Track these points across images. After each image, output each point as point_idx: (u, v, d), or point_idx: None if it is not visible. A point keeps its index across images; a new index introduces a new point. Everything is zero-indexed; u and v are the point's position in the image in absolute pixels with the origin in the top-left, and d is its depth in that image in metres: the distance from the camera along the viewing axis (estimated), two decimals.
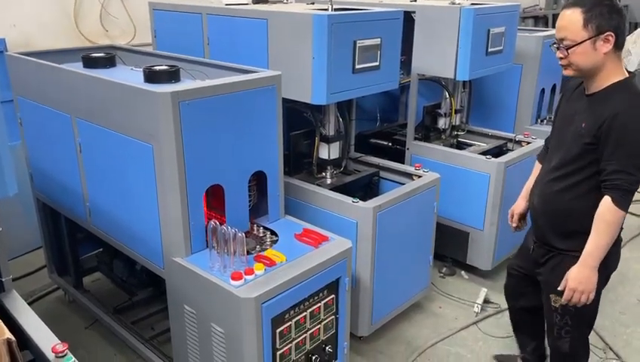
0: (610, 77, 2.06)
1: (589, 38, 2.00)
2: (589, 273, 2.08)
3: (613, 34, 1.99)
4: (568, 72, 2.12)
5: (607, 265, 2.22)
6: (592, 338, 3.18)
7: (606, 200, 2.03)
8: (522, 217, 2.56)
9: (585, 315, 2.29)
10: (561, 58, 2.10)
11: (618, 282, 3.81)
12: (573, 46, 2.03)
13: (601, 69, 2.05)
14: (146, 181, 2.27)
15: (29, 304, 3.33)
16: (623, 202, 2.01)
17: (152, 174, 2.22)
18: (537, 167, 2.49)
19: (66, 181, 2.84)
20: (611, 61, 2.05)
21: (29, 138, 3.07)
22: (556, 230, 2.25)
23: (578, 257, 2.12)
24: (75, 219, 2.95)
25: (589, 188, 2.11)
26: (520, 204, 2.54)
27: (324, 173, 3.25)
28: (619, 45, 2.04)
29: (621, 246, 2.31)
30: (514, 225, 2.57)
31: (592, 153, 2.06)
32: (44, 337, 1.70)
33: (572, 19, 2.02)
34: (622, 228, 2.22)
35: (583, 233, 2.11)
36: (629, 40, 5.83)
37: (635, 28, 6.52)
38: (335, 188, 3.07)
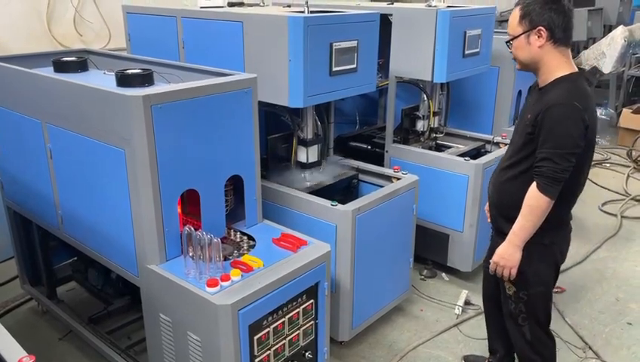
0: (556, 71, 2.14)
1: (523, 33, 2.13)
2: (513, 251, 2.22)
3: (544, 28, 2.09)
4: (517, 67, 2.27)
5: (554, 253, 2.33)
6: (572, 337, 3.22)
7: (533, 186, 2.13)
8: None
9: (537, 303, 2.37)
10: (510, 53, 2.25)
11: (596, 281, 3.85)
12: (511, 40, 2.19)
13: (542, 63, 2.15)
14: (118, 187, 2.21)
15: (1, 316, 3.27)
16: (547, 188, 2.09)
17: (124, 180, 2.17)
18: None
19: (36, 188, 2.77)
20: (552, 56, 2.13)
21: None
22: (506, 218, 2.31)
23: (527, 245, 2.23)
24: (47, 228, 2.88)
25: (531, 178, 2.17)
26: None
27: (302, 177, 3.22)
28: (557, 40, 2.11)
29: (569, 236, 2.40)
30: (489, 221, 2.60)
31: (533, 143, 2.15)
32: (10, 350, 1.64)
33: (513, 16, 2.18)
34: (571, 218, 2.36)
35: None
36: (604, 42, 5.91)
37: (609, 31, 6.62)
38: (314, 192, 3.04)
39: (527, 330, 2.41)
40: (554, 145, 2.06)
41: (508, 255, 2.23)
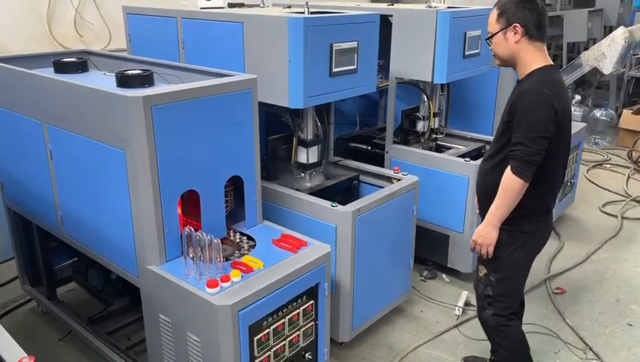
0: (532, 64, 2.29)
1: (501, 30, 2.30)
2: (490, 229, 2.34)
3: (519, 25, 2.25)
4: (497, 63, 2.43)
5: (534, 242, 2.43)
6: (572, 338, 3.21)
7: (508, 168, 2.25)
8: None
9: (504, 288, 2.47)
10: (490, 50, 2.41)
11: (597, 282, 3.84)
12: (490, 37, 2.35)
13: (519, 57, 2.30)
14: (118, 187, 2.21)
15: (1, 316, 3.27)
16: (521, 171, 2.20)
17: (124, 180, 2.17)
18: None
19: (37, 189, 2.77)
20: (527, 50, 2.29)
21: None
22: (488, 204, 2.39)
23: (505, 230, 2.35)
24: (47, 228, 2.88)
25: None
26: None
27: (302, 177, 3.22)
28: (531, 35, 2.27)
29: (547, 227, 2.48)
30: (478, 211, 2.68)
31: (510, 131, 2.27)
32: (10, 351, 1.64)
33: (491, 16, 2.35)
34: (553, 206, 2.46)
35: None
36: (604, 43, 5.91)
37: (610, 32, 6.62)
38: (315, 193, 3.04)
39: (490, 316, 2.51)
40: (526, 130, 2.19)
41: (485, 233, 2.35)
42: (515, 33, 2.27)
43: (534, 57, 2.29)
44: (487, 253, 2.38)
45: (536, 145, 2.17)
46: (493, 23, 2.34)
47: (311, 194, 3.00)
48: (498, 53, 2.37)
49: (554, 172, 2.35)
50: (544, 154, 2.19)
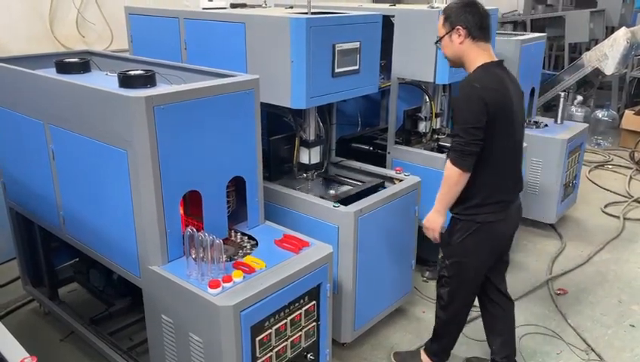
0: (476, 62, 2.42)
1: (446, 33, 2.45)
2: (436, 216, 2.51)
3: (462, 27, 2.40)
4: (449, 64, 2.57)
5: (487, 232, 2.48)
6: (574, 339, 3.21)
7: (448, 160, 2.39)
8: None
9: (457, 273, 2.60)
10: (441, 52, 2.56)
11: (598, 283, 3.84)
12: (438, 41, 2.51)
13: (465, 57, 2.44)
14: (120, 188, 2.21)
15: (3, 317, 3.27)
16: (457, 160, 2.34)
17: (126, 181, 2.17)
18: None
19: (39, 189, 2.77)
20: (471, 50, 2.42)
21: (1, 145, 2.99)
22: None
23: (461, 219, 2.50)
24: (49, 228, 2.88)
25: None
26: None
27: (305, 176, 3.22)
28: (474, 37, 2.40)
29: (503, 221, 2.50)
30: None
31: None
32: (12, 351, 1.64)
33: (439, 22, 2.50)
34: (512, 200, 2.52)
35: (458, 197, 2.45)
36: (606, 44, 5.91)
37: (612, 32, 6.61)
38: (341, 201, 2.90)
39: (446, 292, 2.66)
40: (459, 122, 2.34)
41: (432, 219, 2.52)
42: (459, 35, 2.41)
43: (478, 55, 2.41)
44: (435, 238, 2.53)
45: (468, 136, 2.28)
46: (440, 28, 2.47)
47: (338, 202, 2.89)
48: (447, 55, 2.51)
49: (497, 162, 2.41)
50: (481, 144, 2.30)
